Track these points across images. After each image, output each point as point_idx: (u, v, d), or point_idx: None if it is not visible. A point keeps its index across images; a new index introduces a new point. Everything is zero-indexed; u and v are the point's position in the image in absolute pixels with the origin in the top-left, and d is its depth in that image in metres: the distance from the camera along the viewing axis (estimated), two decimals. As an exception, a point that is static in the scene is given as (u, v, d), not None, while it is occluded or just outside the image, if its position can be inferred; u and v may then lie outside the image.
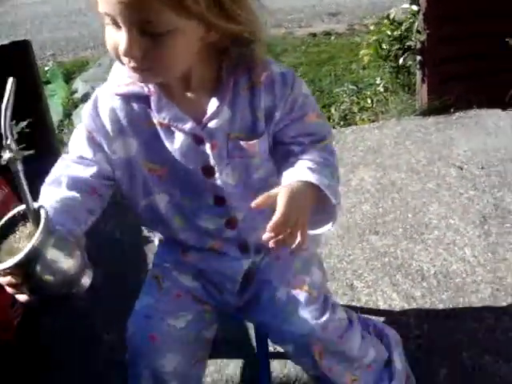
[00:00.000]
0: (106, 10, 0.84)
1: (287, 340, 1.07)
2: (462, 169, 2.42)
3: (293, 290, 1.08)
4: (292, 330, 1.04)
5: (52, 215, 0.86)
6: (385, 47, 3.20)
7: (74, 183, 0.97)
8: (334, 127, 3.03)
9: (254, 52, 0.95)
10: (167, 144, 1.00)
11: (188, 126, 0.98)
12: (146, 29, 0.83)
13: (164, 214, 1.08)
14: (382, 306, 1.69)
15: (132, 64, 0.87)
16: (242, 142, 1.01)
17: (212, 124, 0.98)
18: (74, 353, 1.65)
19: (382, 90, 3.28)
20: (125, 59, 0.87)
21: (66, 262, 0.81)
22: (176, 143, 1.00)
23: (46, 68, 4.68)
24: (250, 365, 1.51)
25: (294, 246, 0.91)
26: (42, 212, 0.80)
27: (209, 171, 1.02)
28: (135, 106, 0.99)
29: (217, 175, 1.02)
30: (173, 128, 0.99)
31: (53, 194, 0.95)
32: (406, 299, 1.70)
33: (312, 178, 0.94)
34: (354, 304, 1.70)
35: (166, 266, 1.17)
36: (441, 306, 1.67)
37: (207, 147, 1.00)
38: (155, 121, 0.99)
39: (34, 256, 0.77)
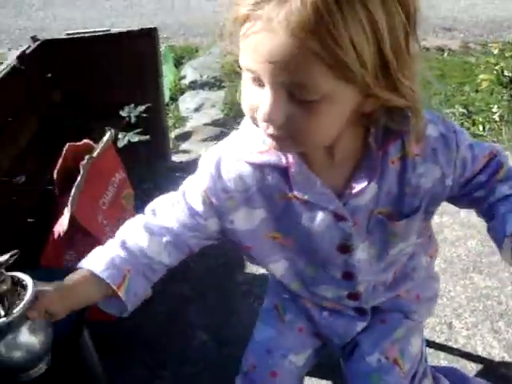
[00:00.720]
0: (250, 67, 0.71)
1: None
2: None
3: (384, 359, 1.02)
4: None
5: (134, 275, 0.85)
6: (507, 74, 3.06)
7: (175, 243, 0.90)
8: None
9: (408, 120, 0.79)
10: (302, 219, 0.89)
11: (331, 204, 0.87)
12: (296, 93, 0.70)
13: (280, 278, 1.02)
14: (480, 351, 1.61)
15: (271, 131, 0.75)
16: (386, 220, 0.90)
17: (356, 202, 0.87)
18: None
19: (497, 118, 3.13)
20: (263, 124, 0.75)
21: (30, 340, 0.76)
22: (313, 220, 0.89)
23: (160, 49, 4.80)
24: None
25: None
26: (30, 290, 0.76)
27: (345, 248, 0.93)
28: (269, 176, 0.87)
29: (353, 252, 0.94)
30: (311, 203, 0.88)
31: (150, 245, 0.89)
32: (507, 350, 1.62)
33: None
34: (450, 344, 1.64)
35: (285, 296, 1.13)
36: (547, 364, 1.58)
37: (348, 225, 0.89)
38: (291, 194, 0.87)
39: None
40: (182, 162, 2.69)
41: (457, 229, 2.15)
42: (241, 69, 0.75)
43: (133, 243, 0.88)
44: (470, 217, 2.23)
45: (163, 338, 1.70)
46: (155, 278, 0.91)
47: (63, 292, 0.80)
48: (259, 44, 0.67)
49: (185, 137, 3.03)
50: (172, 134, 3.07)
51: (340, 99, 0.71)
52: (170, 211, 0.92)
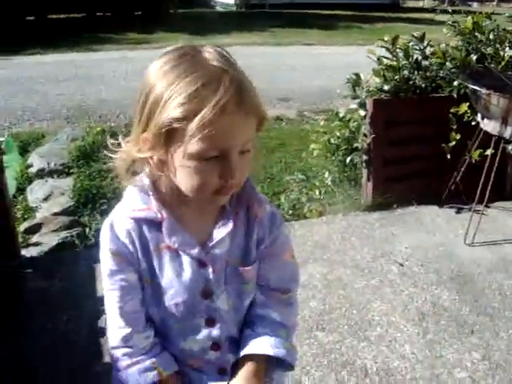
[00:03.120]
0: (220, 145, 0.94)
1: None
2: (402, 265, 2.60)
3: None
4: None
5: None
6: (333, 142, 3.43)
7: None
8: (284, 217, 3.18)
9: (253, 191, 1.11)
10: (172, 266, 1.07)
11: (195, 251, 1.07)
12: (244, 148, 0.97)
13: (159, 325, 1.15)
14: (329, 402, 1.78)
15: (230, 184, 0.98)
16: (239, 268, 1.10)
17: (215, 251, 1.08)
18: None
19: (329, 182, 3.48)
20: (219, 183, 0.97)
21: None
22: (181, 266, 1.08)
23: (1, 139, 4.69)
24: None
25: None
26: None
27: (207, 293, 1.10)
28: (146, 229, 1.07)
29: (214, 298, 1.11)
30: (180, 252, 1.07)
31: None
32: (351, 397, 1.81)
33: (270, 351, 1.12)
34: (301, 401, 1.79)
35: None
36: (382, 404, 1.78)
37: (209, 271, 1.08)
38: (163, 244, 1.06)
39: None
40: (32, 257, 2.66)
41: (300, 292, 2.33)
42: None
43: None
44: (310, 279, 2.46)
45: None
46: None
47: None
48: (230, 127, 0.93)
49: (34, 229, 2.98)
50: (21, 227, 3.01)
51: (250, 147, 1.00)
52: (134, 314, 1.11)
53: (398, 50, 3.24)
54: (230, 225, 1.08)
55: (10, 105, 6.10)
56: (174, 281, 1.09)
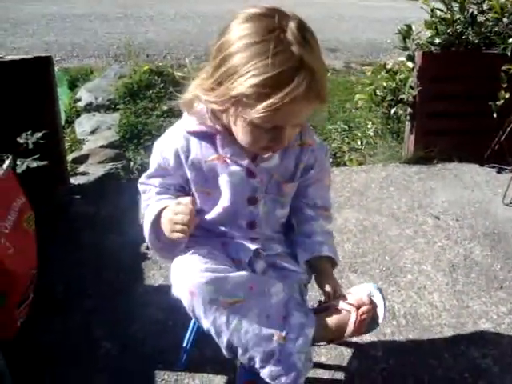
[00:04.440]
0: (278, 123, 1.06)
1: None
2: (438, 218, 2.63)
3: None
4: None
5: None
6: (379, 94, 3.41)
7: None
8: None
9: (306, 123, 1.26)
10: (222, 175, 1.23)
11: (245, 161, 1.22)
12: (297, 123, 1.11)
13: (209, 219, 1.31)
14: (354, 338, 1.85)
15: (277, 147, 1.15)
16: (281, 182, 1.28)
17: (263, 165, 1.24)
18: (70, 356, 1.79)
19: (371, 133, 3.49)
20: (268, 144, 1.12)
21: None
22: (231, 175, 1.22)
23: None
24: (232, 382, 1.66)
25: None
26: None
27: (253, 200, 1.27)
28: (198, 144, 1.22)
29: (257, 204, 1.28)
30: (230, 162, 1.21)
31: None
32: (377, 335, 1.87)
33: (331, 253, 1.39)
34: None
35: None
36: (407, 344, 1.85)
37: (257, 181, 1.25)
38: (215, 156, 1.21)
39: None
40: (80, 185, 2.79)
41: (335, 235, 2.40)
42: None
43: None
44: (345, 223, 2.53)
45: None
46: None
47: None
48: (292, 112, 1.04)
49: (82, 159, 3.10)
50: (69, 157, 3.13)
51: None
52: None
53: (453, 3, 3.16)
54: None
55: (60, 40, 6.19)
56: (224, 188, 1.24)
